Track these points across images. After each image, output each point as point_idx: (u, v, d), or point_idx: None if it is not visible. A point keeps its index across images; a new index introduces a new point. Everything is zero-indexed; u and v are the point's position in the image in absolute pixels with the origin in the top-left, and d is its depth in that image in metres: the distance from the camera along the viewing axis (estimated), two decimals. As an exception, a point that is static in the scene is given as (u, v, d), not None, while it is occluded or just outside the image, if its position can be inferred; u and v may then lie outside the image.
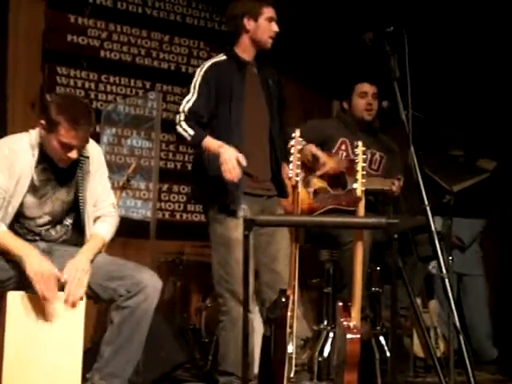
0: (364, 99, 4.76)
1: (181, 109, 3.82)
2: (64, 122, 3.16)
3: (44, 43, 5.74)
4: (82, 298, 3.20)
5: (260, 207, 3.87)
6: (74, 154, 3.24)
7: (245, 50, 3.99)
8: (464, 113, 5.90)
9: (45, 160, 3.31)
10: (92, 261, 3.28)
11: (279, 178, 3.99)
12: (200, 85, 3.84)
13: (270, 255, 3.92)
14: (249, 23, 3.94)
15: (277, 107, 4.03)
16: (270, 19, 3.92)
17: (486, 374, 5.09)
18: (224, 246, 3.81)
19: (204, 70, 3.90)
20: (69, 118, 3.16)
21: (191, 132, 3.74)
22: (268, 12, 3.92)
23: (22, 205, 3.30)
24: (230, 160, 3.58)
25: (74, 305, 3.17)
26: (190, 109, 3.79)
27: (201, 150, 3.76)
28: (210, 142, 3.71)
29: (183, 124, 3.77)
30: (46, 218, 3.39)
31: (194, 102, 3.80)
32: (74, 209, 3.44)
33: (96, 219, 3.44)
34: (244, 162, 3.60)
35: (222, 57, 4.00)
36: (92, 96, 5.92)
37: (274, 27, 3.93)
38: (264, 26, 3.91)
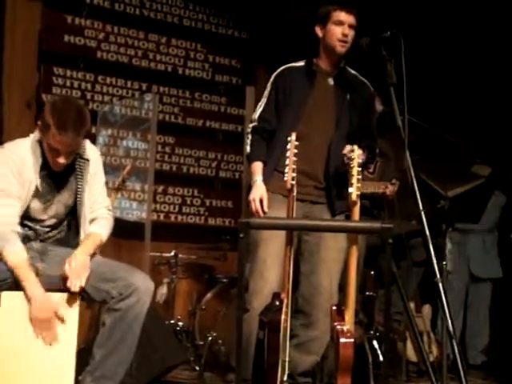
0: None
1: (252, 116, 3.94)
2: (53, 126, 3.13)
3: (40, 43, 5.75)
4: (76, 299, 3.21)
5: (301, 212, 3.73)
6: (61, 159, 3.22)
7: (322, 59, 3.89)
8: (460, 118, 5.91)
9: (47, 165, 3.30)
10: (91, 257, 3.28)
11: (332, 193, 3.87)
12: (269, 91, 3.90)
13: (311, 266, 3.80)
14: (320, 30, 3.84)
15: (349, 122, 3.89)
16: (339, 22, 3.75)
17: (479, 380, 5.11)
18: (253, 244, 3.75)
19: (274, 75, 3.92)
20: (57, 122, 3.13)
21: (248, 149, 3.87)
22: (336, 15, 3.76)
23: (28, 208, 3.30)
24: (254, 202, 3.68)
25: (73, 300, 3.19)
26: (259, 116, 3.88)
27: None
28: (253, 168, 3.81)
29: (249, 137, 3.88)
30: (52, 221, 3.41)
31: (263, 108, 3.89)
32: (72, 210, 3.44)
33: (92, 220, 3.44)
34: (266, 208, 3.68)
35: (300, 63, 3.94)
36: (88, 97, 5.93)
37: (342, 30, 3.75)
38: (332, 30, 3.77)
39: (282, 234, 3.65)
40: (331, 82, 3.89)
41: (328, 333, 3.75)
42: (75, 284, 3.16)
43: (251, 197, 3.71)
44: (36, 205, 3.32)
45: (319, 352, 3.80)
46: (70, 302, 3.21)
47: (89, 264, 3.24)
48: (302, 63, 3.93)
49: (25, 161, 3.26)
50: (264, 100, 3.90)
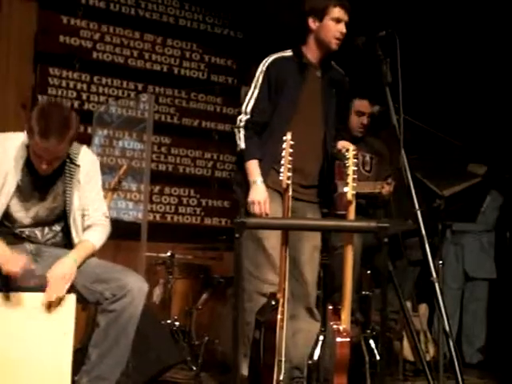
0: (360, 118, 4.76)
1: (243, 108, 3.77)
2: (36, 132, 3.10)
3: (36, 44, 5.74)
4: (72, 300, 3.20)
5: (294, 208, 3.59)
6: (43, 166, 3.19)
7: (310, 51, 3.82)
8: (455, 117, 5.91)
9: (32, 164, 3.28)
10: (79, 266, 3.26)
11: (326, 188, 3.91)
12: (262, 82, 3.76)
13: (294, 260, 3.74)
14: (314, 23, 3.77)
15: (335, 115, 3.90)
16: (337, 20, 3.72)
17: (475, 379, 5.11)
18: (254, 240, 3.67)
19: (266, 65, 3.78)
20: (40, 129, 3.09)
21: (243, 145, 3.72)
22: (334, 12, 3.71)
23: (7, 207, 3.28)
24: (259, 204, 3.61)
25: (50, 305, 3.15)
26: (252, 108, 3.74)
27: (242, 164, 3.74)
28: (250, 167, 3.69)
29: (241, 131, 3.73)
30: (29, 221, 3.37)
31: (256, 100, 3.75)
32: (63, 216, 3.42)
33: (87, 227, 3.42)
34: (268, 210, 3.61)
35: (288, 53, 3.85)
36: (84, 97, 5.92)
37: (340, 28, 3.73)
38: (328, 27, 3.73)
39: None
40: (319, 74, 3.86)
41: (313, 325, 3.79)
42: (51, 295, 3.13)
43: (255, 199, 3.64)
44: (15, 202, 3.29)
45: (306, 344, 3.79)
46: (66, 302, 3.19)
47: (74, 272, 3.21)
48: (289, 53, 3.86)
49: (8, 152, 3.25)
50: (256, 91, 3.77)
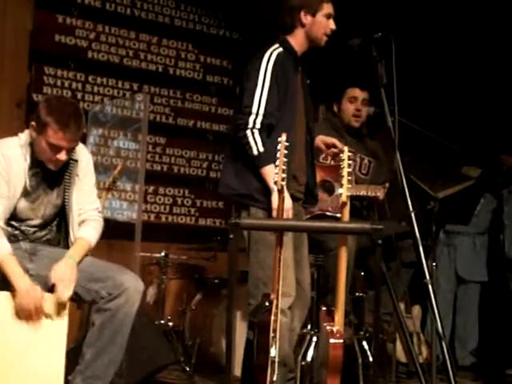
0: (353, 104, 4.74)
1: (254, 109, 3.54)
2: (52, 123, 3.15)
3: (31, 43, 5.73)
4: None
5: (296, 211, 3.62)
6: (62, 156, 3.23)
7: (297, 45, 3.73)
8: (450, 120, 5.92)
9: (36, 164, 3.30)
10: (78, 264, 3.26)
11: (311, 184, 3.83)
12: (270, 80, 3.56)
13: (297, 264, 3.69)
14: (306, 18, 3.68)
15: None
16: (328, 16, 3.69)
17: (468, 381, 5.12)
18: (266, 246, 3.54)
19: (272, 62, 3.60)
20: (57, 119, 3.15)
21: (261, 148, 3.50)
22: (327, 8, 3.69)
23: (15, 208, 3.29)
24: (286, 212, 3.36)
25: (62, 305, 3.16)
26: (266, 110, 3.53)
27: (258, 168, 3.52)
28: (269, 173, 3.42)
29: (256, 134, 3.51)
30: (38, 221, 3.39)
31: (267, 100, 3.55)
32: (60, 211, 3.43)
33: (81, 223, 3.42)
34: (291, 214, 3.44)
35: (278, 48, 3.69)
36: (79, 97, 5.91)
37: (332, 25, 3.69)
38: (321, 23, 3.68)
39: (291, 238, 3.60)
40: (300, 68, 3.81)
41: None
42: (63, 292, 3.14)
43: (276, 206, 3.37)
44: (23, 204, 3.30)
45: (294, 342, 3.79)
46: (59, 301, 3.19)
47: (75, 272, 3.22)
48: (280, 48, 3.70)
49: (12, 159, 3.25)
50: (265, 90, 3.55)
